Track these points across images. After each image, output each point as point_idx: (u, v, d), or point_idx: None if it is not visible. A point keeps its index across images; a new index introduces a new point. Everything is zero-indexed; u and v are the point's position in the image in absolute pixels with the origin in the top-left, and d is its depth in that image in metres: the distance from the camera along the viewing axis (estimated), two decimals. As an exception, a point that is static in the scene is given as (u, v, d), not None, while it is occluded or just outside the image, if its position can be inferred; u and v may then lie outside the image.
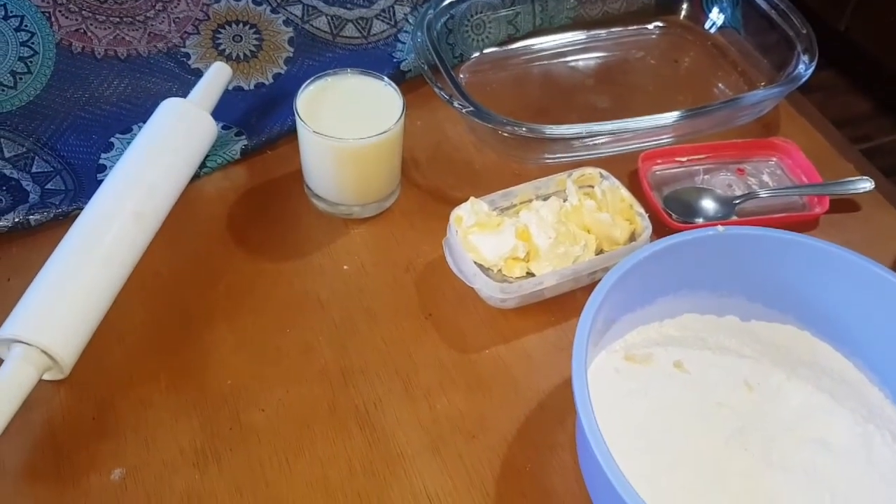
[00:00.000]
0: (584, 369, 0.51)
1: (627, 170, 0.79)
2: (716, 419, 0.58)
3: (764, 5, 0.88)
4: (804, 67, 0.81)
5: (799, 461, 0.56)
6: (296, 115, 0.69)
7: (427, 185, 0.78)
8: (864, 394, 0.61)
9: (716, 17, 0.95)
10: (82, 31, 0.78)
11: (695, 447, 0.56)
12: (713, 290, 0.64)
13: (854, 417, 0.58)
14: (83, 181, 0.74)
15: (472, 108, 0.74)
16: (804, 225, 0.76)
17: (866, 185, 0.77)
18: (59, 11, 0.77)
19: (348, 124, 0.69)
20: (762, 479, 0.55)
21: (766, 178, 0.79)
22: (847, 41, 2.09)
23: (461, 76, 0.89)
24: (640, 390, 0.59)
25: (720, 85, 0.91)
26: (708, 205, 0.76)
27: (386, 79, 0.72)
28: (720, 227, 0.61)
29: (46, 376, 0.61)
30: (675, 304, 0.64)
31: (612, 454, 0.47)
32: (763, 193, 0.76)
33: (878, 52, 2.06)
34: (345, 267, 0.71)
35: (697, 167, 0.80)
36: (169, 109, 0.74)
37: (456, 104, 0.75)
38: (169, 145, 0.72)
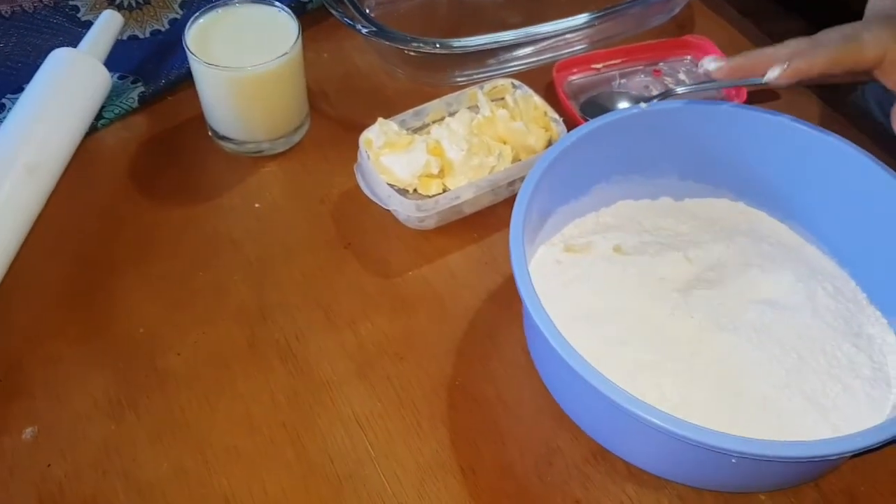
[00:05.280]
0: (524, 255, 0.51)
1: (543, 82, 0.77)
2: (659, 293, 0.57)
3: None
4: (712, -40, 0.79)
5: (746, 321, 0.55)
6: (186, 49, 0.66)
7: (337, 115, 0.76)
8: (803, 253, 0.61)
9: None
10: (-42, -11, 0.74)
11: (641, 321, 0.55)
12: (644, 174, 0.63)
13: (796, 276, 0.58)
14: (-26, 145, 0.70)
15: (374, 29, 0.71)
16: (724, 118, 0.75)
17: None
18: (-69, -30, 0.73)
19: (244, 54, 0.66)
20: (712, 342, 0.54)
21: (682, 76, 0.78)
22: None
23: (367, 10, 0.86)
24: (583, 276, 0.58)
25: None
26: (625, 106, 0.74)
27: (279, 4, 0.69)
28: (643, 104, 0.60)
29: (-56, 341, 0.58)
30: (609, 191, 0.64)
31: (562, 334, 0.47)
32: (680, 90, 0.74)
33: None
34: (256, 205, 0.69)
35: (613, 72, 0.78)
36: (57, 60, 0.71)
37: (358, 26, 0.72)
38: (59, 95, 0.69)
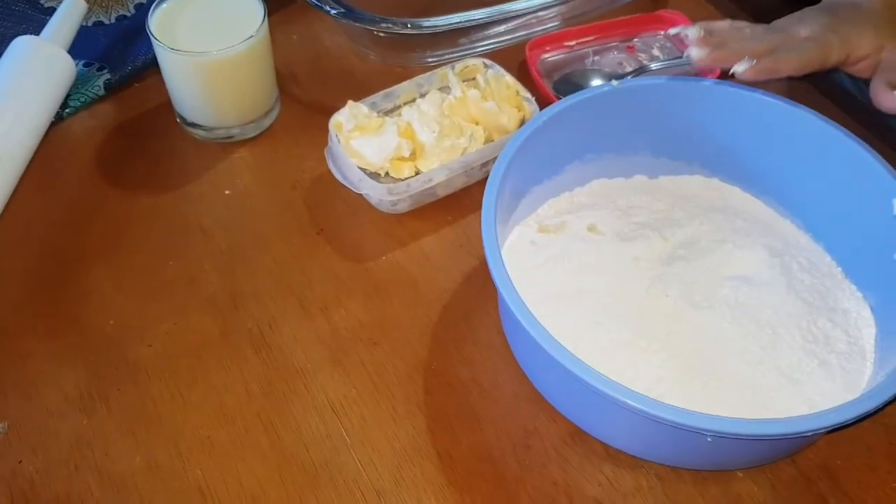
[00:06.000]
0: (495, 237, 0.51)
1: (517, 61, 0.76)
2: (634, 272, 0.57)
3: None
4: (684, -66, 0.78)
5: (721, 298, 0.55)
6: (150, 35, 0.64)
7: (308, 98, 0.74)
8: (778, 228, 0.61)
9: None
10: (-85, -23, 0.73)
11: (616, 300, 0.55)
12: (618, 152, 0.63)
13: (770, 251, 0.58)
14: (-64, 137, 0.69)
15: (343, 10, 0.70)
16: (698, 93, 0.74)
17: (757, 46, 0.75)
18: None
19: (210, 39, 0.64)
20: (687, 320, 0.54)
21: (656, 52, 0.77)
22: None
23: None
24: (557, 257, 0.58)
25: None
26: (599, 84, 0.73)
27: (243, -14, 0.68)
28: (614, 82, 0.60)
29: None
30: (583, 171, 0.63)
31: (535, 316, 0.47)
32: (654, 66, 0.74)
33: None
34: (227, 192, 0.68)
35: (587, 49, 0.77)
36: (19, 48, 0.69)
37: (327, 7, 0.71)
38: (22, 84, 0.67)
